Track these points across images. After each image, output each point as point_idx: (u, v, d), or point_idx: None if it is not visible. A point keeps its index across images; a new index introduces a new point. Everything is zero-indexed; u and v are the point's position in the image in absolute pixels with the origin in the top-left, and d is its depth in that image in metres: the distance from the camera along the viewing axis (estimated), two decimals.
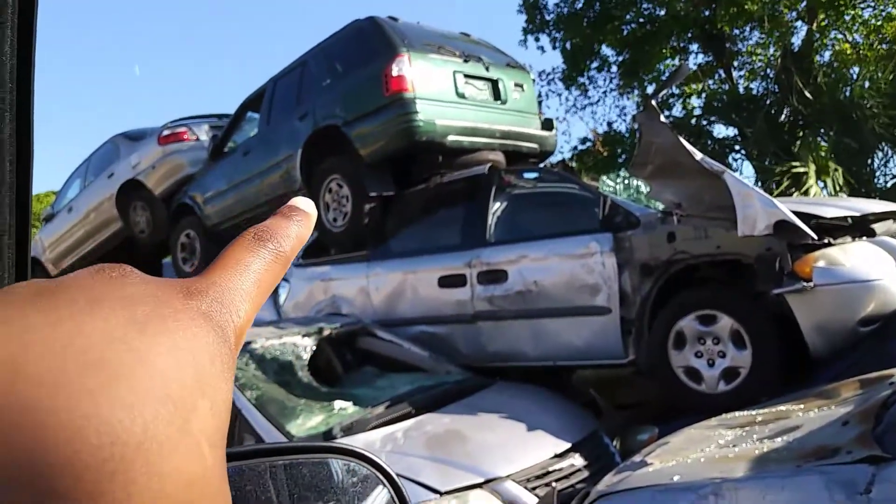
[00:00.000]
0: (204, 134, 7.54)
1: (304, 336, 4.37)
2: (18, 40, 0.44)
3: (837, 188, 8.11)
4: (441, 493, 2.94)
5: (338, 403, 3.77)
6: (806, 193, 7.79)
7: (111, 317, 0.22)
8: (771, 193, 5.16)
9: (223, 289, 0.28)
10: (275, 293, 6.24)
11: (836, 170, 8.15)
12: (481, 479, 3.05)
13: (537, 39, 15.36)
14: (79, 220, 8.41)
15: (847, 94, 9.07)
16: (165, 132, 7.53)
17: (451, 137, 5.31)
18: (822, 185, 8.17)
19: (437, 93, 5.34)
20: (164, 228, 7.47)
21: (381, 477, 1.32)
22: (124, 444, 0.19)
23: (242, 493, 1.58)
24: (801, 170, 7.95)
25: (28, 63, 0.46)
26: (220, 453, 0.23)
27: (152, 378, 0.21)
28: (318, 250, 6.06)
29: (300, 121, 5.90)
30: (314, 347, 4.37)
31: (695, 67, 13.98)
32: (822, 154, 8.36)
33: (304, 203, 0.35)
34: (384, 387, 4.16)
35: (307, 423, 3.56)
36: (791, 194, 7.67)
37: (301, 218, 0.34)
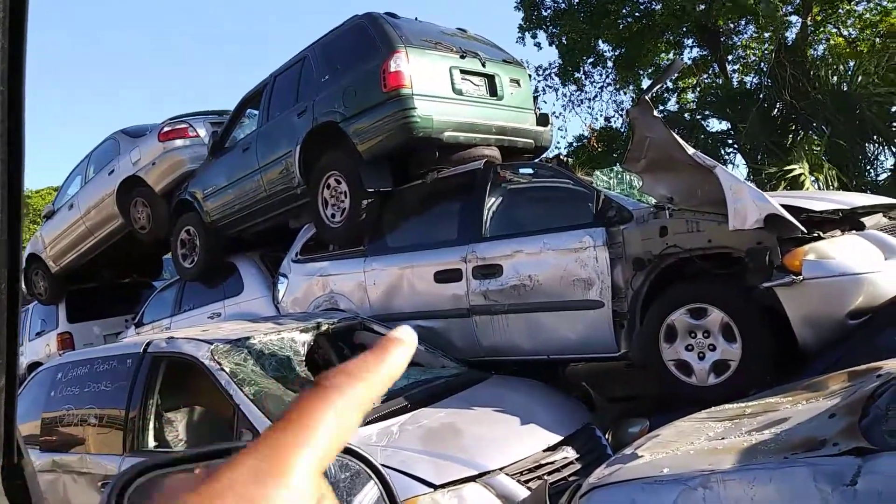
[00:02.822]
0: (204, 130, 7.55)
1: (301, 331, 4.39)
2: (10, 40, 0.44)
3: (831, 186, 8.14)
4: (435, 487, 2.98)
5: None
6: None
7: None
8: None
9: (276, 447, 0.31)
10: (273, 288, 6.29)
11: (830, 169, 8.18)
12: (475, 473, 3.08)
13: (534, 36, 15.37)
14: (80, 217, 8.44)
15: (844, 85, 9.09)
16: (166, 128, 7.55)
17: (447, 133, 5.33)
18: (813, 180, 8.20)
19: (434, 89, 5.36)
20: (165, 225, 7.49)
21: (370, 472, 1.36)
22: None
23: None
24: (798, 171, 7.98)
25: (19, 63, 0.45)
26: None
27: None
28: (316, 246, 6.10)
29: (299, 117, 5.92)
30: (312, 342, 4.40)
31: (689, 62, 13.98)
32: (816, 149, 8.39)
33: (403, 332, 0.37)
34: None
35: None
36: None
37: (392, 349, 0.35)
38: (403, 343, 0.36)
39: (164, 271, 9.96)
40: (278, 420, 0.32)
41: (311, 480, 0.31)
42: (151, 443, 3.82)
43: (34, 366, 7.70)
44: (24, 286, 8.09)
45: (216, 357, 3.84)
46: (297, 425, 0.32)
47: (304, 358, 4.24)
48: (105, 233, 8.26)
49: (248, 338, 4.15)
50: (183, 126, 7.58)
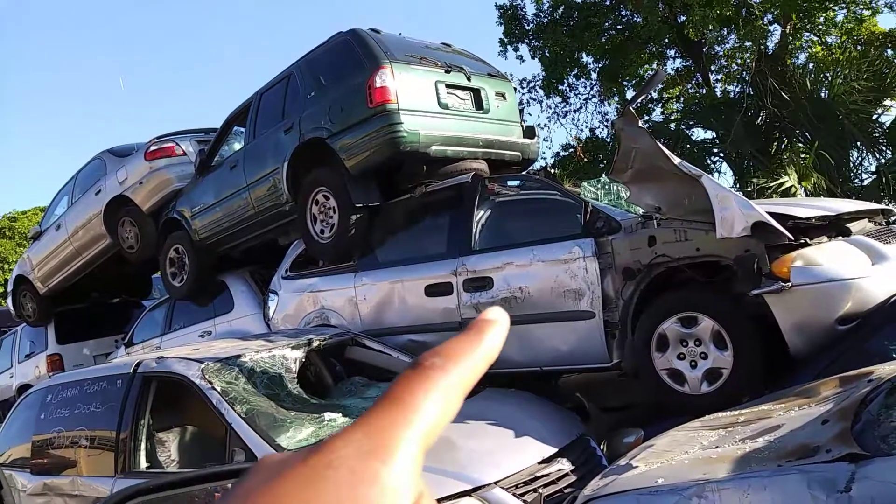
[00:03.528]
0: (191, 148, 7.53)
1: (293, 348, 4.38)
2: None
3: (820, 194, 8.22)
4: None
5: (328, 415, 3.78)
6: None
7: None
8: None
9: (381, 425, 0.31)
10: (264, 305, 6.27)
11: (819, 178, 8.28)
12: (470, 487, 3.07)
13: (516, 49, 15.47)
14: (67, 238, 8.39)
15: (823, 93, 9.20)
16: (152, 147, 7.52)
17: (434, 147, 5.34)
18: (802, 189, 8.29)
19: (420, 103, 5.38)
20: (153, 244, 7.46)
21: None
22: None
23: None
24: (789, 183, 8.07)
25: None
26: None
27: None
28: (306, 262, 6.09)
29: (285, 134, 5.92)
30: (303, 359, 4.38)
31: (672, 72, 14.10)
32: (804, 157, 8.48)
33: (495, 313, 0.36)
34: (374, 397, 4.18)
35: (297, 435, 3.58)
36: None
37: (488, 329, 0.35)
38: (497, 323, 0.36)
39: (154, 290, 9.90)
40: (382, 399, 0.32)
41: (415, 460, 0.31)
42: (143, 464, 3.78)
43: (24, 388, 7.63)
44: (12, 308, 8.00)
45: (207, 376, 3.82)
46: (402, 405, 0.32)
47: (295, 375, 4.22)
48: (93, 253, 8.21)
49: (238, 356, 4.13)
50: (169, 145, 7.56)
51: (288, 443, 3.48)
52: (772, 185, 8.23)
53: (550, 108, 16.41)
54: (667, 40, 14.21)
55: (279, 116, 6.10)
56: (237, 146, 6.97)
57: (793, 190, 8.15)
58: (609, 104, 16.13)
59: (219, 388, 3.74)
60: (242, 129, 6.78)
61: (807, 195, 8.26)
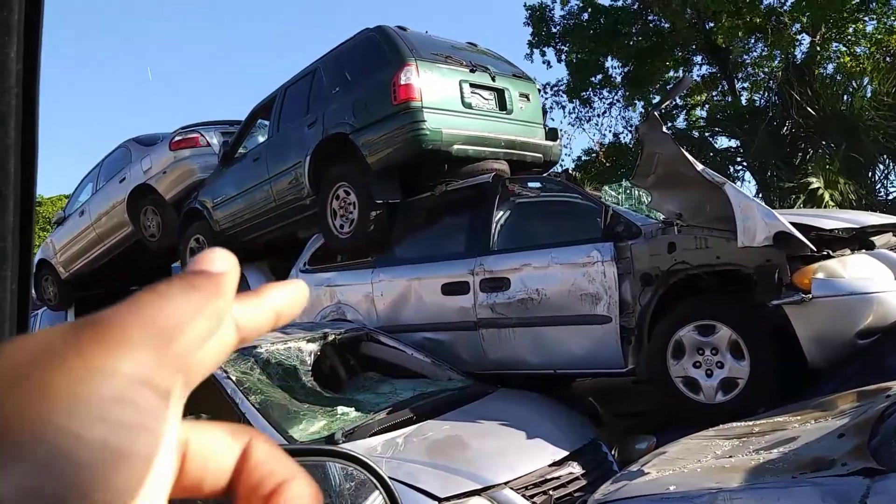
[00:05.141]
0: (215, 140, 7.61)
1: (308, 341, 4.40)
2: (25, 45, 0.44)
3: (847, 202, 8.12)
4: (440, 500, 2.97)
5: (340, 409, 3.80)
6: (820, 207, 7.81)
7: None
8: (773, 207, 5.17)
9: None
10: None
11: (846, 183, 8.17)
12: (480, 487, 3.07)
13: (543, 53, 15.46)
14: (90, 224, 8.49)
15: (849, 105, 9.09)
16: (177, 138, 7.60)
17: (456, 146, 5.36)
18: (829, 197, 8.20)
19: (443, 102, 5.40)
20: (175, 233, 7.54)
21: (375, 482, 1.36)
22: None
23: None
24: (816, 185, 7.98)
25: (33, 67, 0.46)
26: None
27: None
28: (324, 257, 6.12)
29: (309, 128, 5.96)
30: (318, 353, 4.41)
31: (698, 79, 14.01)
32: (830, 167, 8.39)
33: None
34: (386, 393, 4.19)
35: (310, 427, 3.60)
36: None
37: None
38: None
39: None
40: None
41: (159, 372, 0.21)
42: None
43: None
44: (33, 291, 8.07)
45: (222, 365, 3.84)
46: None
47: (310, 368, 4.25)
48: (115, 240, 8.31)
49: (254, 346, 4.15)
50: (194, 135, 7.63)
51: (300, 435, 3.51)
52: (796, 186, 8.13)
53: (573, 113, 16.41)
54: (694, 47, 14.13)
55: (303, 111, 6.15)
56: (261, 139, 7.02)
57: (819, 191, 8.04)
58: (633, 110, 16.08)
59: (234, 378, 3.77)
60: (267, 123, 6.84)
61: (834, 202, 8.16)
